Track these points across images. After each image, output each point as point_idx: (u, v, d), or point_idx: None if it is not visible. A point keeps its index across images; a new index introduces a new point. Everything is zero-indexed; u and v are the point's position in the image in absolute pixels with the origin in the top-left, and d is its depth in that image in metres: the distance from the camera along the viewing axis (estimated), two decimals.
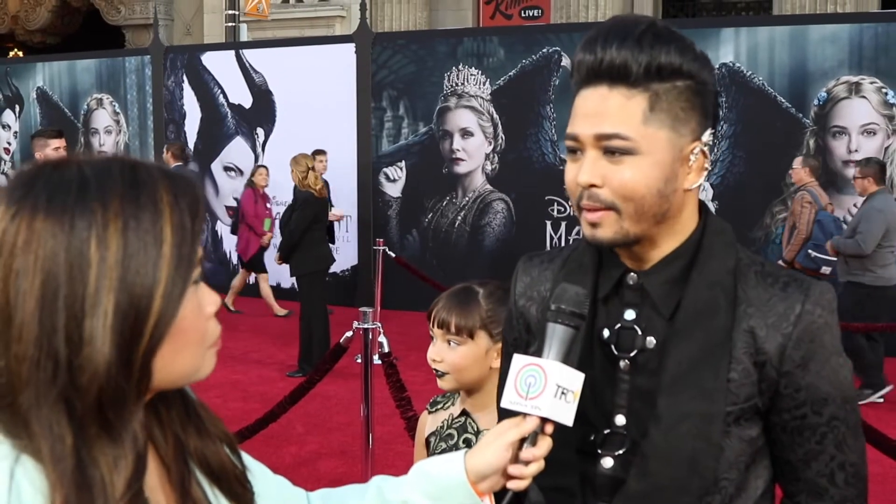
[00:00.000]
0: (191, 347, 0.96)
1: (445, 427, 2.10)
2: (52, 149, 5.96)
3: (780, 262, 7.26)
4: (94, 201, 0.89)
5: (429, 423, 2.19)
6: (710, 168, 1.35)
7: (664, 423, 1.30)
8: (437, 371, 2.04)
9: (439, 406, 2.19)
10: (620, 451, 1.34)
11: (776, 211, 8.32)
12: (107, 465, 0.88)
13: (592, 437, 1.36)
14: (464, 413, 2.07)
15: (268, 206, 9.55)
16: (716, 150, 8.52)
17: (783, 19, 8.42)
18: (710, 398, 1.29)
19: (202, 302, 0.97)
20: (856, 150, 8.06)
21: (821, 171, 7.62)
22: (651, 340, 1.34)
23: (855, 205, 8.08)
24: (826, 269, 7.12)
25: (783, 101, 8.28)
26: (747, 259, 1.36)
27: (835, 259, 6.99)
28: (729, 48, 8.43)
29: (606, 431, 1.35)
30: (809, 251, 7.28)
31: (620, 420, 1.35)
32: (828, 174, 8.13)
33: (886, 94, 7.93)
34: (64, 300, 0.87)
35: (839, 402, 1.32)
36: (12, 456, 0.87)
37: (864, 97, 8.01)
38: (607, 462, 1.35)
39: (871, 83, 7.97)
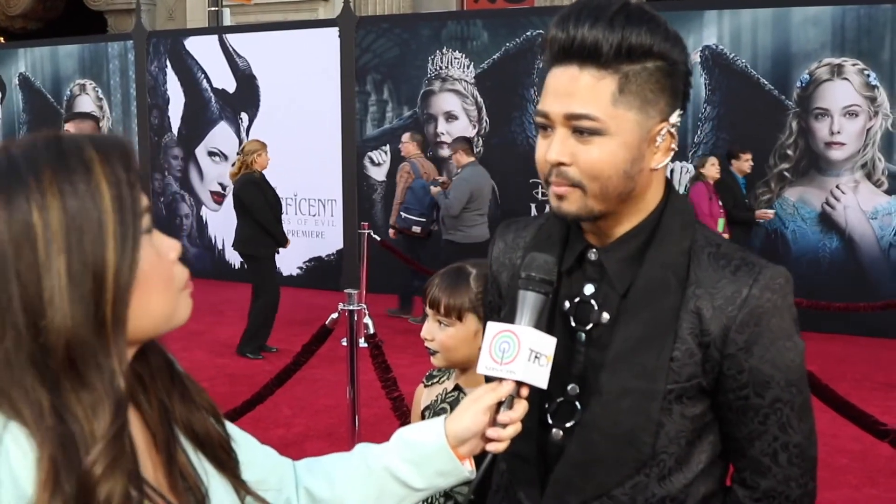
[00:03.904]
0: (158, 293, 0.99)
1: (439, 401, 2.12)
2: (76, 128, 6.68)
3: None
4: (26, 175, 0.92)
5: (424, 396, 2.21)
6: (676, 149, 1.36)
7: (605, 397, 1.33)
8: (428, 349, 2.06)
9: (435, 380, 2.21)
10: (569, 424, 1.37)
11: (759, 193, 8.36)
12: (85, 416, 0.91)
13: (547, 405, 1.39)
14: (457, 388, 2.10)
15: (720, 203, 7.97)
16: (700, 132, 8.55)
17: (766, 1, 8.42)
18: (651, 376, 1.31)
19: (161, 249, 1.00)
20: (838, 132, 8.10)
21: (426, 144, 9.24)
22: (606, 315, 1.37)
23: (837, 186, 8.15)
24: (416, 229, 8.41)
25: (766, 83, 8.31)
26: (703, 240, 1.37)
27: (423, 220, 8.41)
28: (712, 30, 8.45)
29: (559, 400, 1.39)
30: (402, 213, 8.54)
31: (574, 390, 1.38)
32: (809, 156, 8.18)
33: (868, 76, 7.96)
34: (15, 272, 0.90)
35: (783, 385, 1.33)
36: (0, 423, 0.90)
37: (846, 79, 8.04)
38: (557, 434, 1.39)
39: (854, 65, 8.00)
